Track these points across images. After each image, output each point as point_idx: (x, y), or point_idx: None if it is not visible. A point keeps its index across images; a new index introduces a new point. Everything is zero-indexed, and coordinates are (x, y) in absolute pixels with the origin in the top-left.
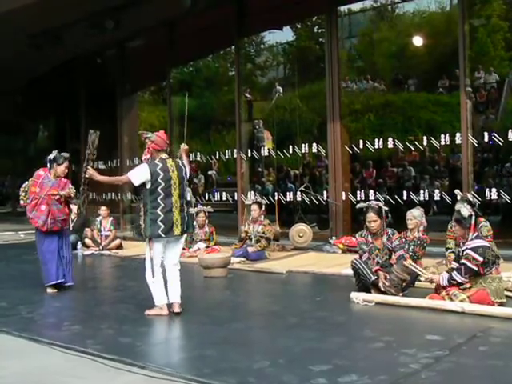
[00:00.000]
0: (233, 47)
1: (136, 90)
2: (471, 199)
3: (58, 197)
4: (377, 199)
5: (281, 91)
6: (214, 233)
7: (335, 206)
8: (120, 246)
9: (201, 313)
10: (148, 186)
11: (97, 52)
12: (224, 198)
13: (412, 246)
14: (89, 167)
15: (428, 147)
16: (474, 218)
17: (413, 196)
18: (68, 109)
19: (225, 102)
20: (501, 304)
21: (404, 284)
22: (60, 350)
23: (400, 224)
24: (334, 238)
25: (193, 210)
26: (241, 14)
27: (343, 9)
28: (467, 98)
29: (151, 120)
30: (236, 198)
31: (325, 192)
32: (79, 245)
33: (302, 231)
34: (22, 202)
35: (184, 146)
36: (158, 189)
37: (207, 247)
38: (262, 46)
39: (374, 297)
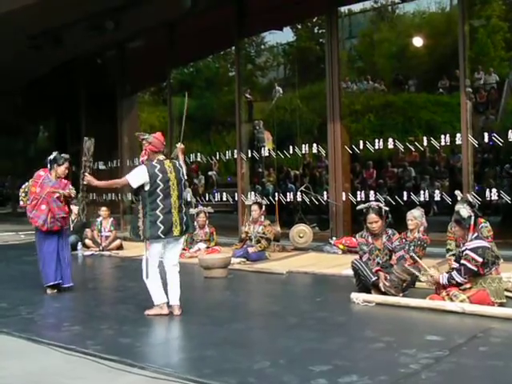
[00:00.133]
0: (233, 48)
1: (136, 91)
2: (471, 200)
3: (57, 195)
4: (377, 200)
5: (281, 92)
6: (215, 233)
7: (335, 207)
8: (120, 247)
9: (201, 313)
10: (146, 187)
11: (97, 53)
12: (224, 199)
13: (412, 247)
14: (86, 173)
15: (428, 148)
16: (473, 218)
17: (413, 196)
18: (68, 109)
19: (225, 103)
20: (501, 304)
21: (404, 284)
22: (60, 351)
23: (400, 224)
24: (334, 238)
25: (193, 211)
26: (241, 15)
27: (343, 9)
28: (467, 98)
29: (151, 120)
30: (236, 198)
31: (325, 192)
32: (79, 245)
33: (302, 232)
34: (21, 203)
35: (180, 146)
36: (157, 190)
37: (207, 248)
38: (263, 46)
39: (375, 297)
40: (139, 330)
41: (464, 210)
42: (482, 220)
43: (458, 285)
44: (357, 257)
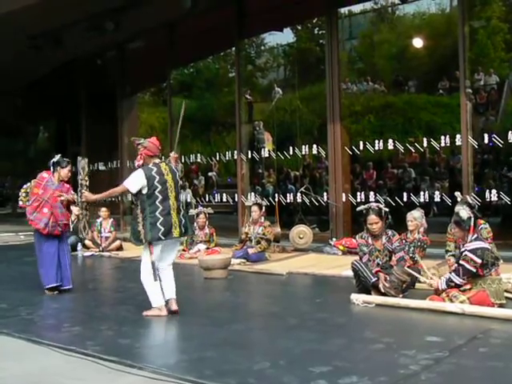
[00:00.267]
0: (233, 49)
1: (136, 92)
2: (470, 201)
3: (62, 198)
4: (377, 201)
5: (280, 93)
6: (215, 234)
7: (335, 208)
8: (120, 248)
9: (201, 314)
10: (145, 191)
11: (97, 53)
12: (224, 200)
13: (412, 248)
14: (83, 191)
15: (428, 149)
16: (472, 219)
17: (413, 197)
18: (68, 110)
19: (225, 104)
20: (501, 305)
21: (404, 285)
22: (60, 352)
23: (400, 225)
24: (334, 239)
25: (193, 212)
26: (241, 16)
27: (343, 10)
28: (467, 99)
29: (151, 121)
30: (236, 199)
31: (325, 193)
32: (79, 246)
33: (302, 232)
34: (20, 203)
35: (174, 155)
36: (156, 192)
37: (207, 248)
38: (263, 47)
39: (374, 298)
40: (139, 330)
41: (464, 212)
42: (482, 221)
43: (458, 286)
44: (357, 258)
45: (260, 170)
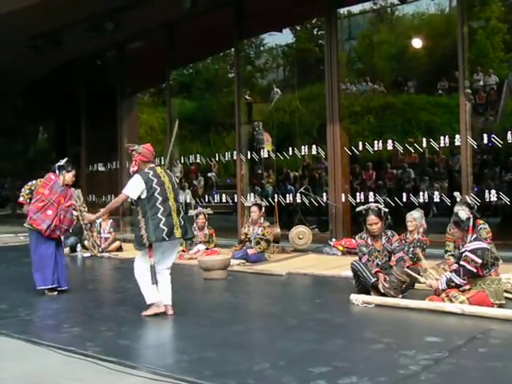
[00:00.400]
0: (232, 49)
1: (136, 92)
2: (469, 202)
3: (73, 208)
4: (376, 201)
5: (279, 93)
6: (214, 235)
7: (335, 208)
8: (119, 249)
9: (201, 315)
10: (144, 194)
11: (97, 54)
12: (224, 200)
13: (412, 248)
14: (84, 214)
15: (427, 149)
16: (472, 220)
17: (412, 198)
18: (68, 110)
19: (224, 104)
20: (500, 306)
21: (404, 286)
22: (59, 353)
23: (400, 226)
24: (333, 239)
25: (192, 212)
26: (240, 16)
27: (343, 11)
28: (466, 99)
29: (151, 122)
30: (236, 199)
31: (324, 194)
32: (79, 247)
33: (301, 233)
34: (21, 199)
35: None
36: (155, 194)
37: (207, 249)
38: (262, 48)
39: (374, 299)
40: (138, 331)
41: (463, 212)
42: (481, 221)
43: (458, 286)
44: (356, 258)
45: (259, 171)
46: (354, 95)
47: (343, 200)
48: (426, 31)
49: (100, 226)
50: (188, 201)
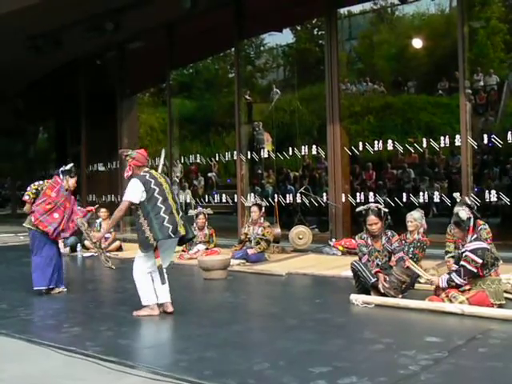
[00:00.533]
0: (232, 49)
1: (136, 92)
2: (469, 202)
3: (87, 217)
4: (376, 201)
5: (279, 93)
6: (214, 235)
7: (335, 208)
8: (120, 248)
9: (201, 315)
10: (144, 196)
11: (97, 54)
12: (224, 200)
13: (412, 248)
14: (91, 234)
15: (427, 149)
16: (472, 220)
17: (412, 198)
18: (68, 110)
19: (224, 104)
20: (500, 306)
21: (404, 286)
22: (60, 353)
23: (400, 226)
24: (333, 239)
25: (192, 212)
26: (240, 16)
27: (343, 11)
28: (467, 100)
29: (151, 122)
30: (236, 200)
31: (324, 194)
32: (79, 247)
33: (301, 233)
34: (26, 198)
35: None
36: (155, 194)
37: (207, 249)
38: (262, 48)
39: (374, 299)
40: (138, 331)
41: (463, 212)
42: (481, 222)
43: (458, 286)
44: (356, 258)
45: (259, 171)
46: (354, 95)
47: (343, 200)
48: (426, 31)
49: (100, 225)
50: (188, 201)
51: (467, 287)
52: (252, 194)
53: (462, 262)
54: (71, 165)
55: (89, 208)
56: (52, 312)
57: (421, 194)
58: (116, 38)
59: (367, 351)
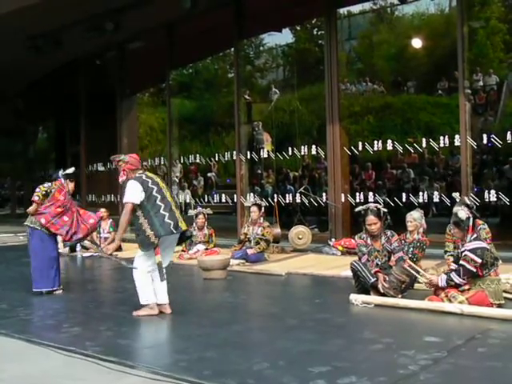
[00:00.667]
0: (232, 49)
1: (136, 92)
2: (468, 202)
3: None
4: (376, 201)
5: (278, 93)
6: (214, 235)
7: (334, 208)
8: (119, 248)
9: (200, 314)
10: (142, 197)
11: (96, 54)
12: (223, 200)
13: (411, 248)
14: (104, 248)
15: (427, 149)
16: (471, 220)
17: (412, 198)
18: (68, 110)
19: (224, 104)
20: (499, 306)
21: (403, 286)
22: (60, 353)
23: (399, 226)
24: (333, 239)
25: (192, 212)
26: (240, 16)
27: (343, 11)
28: (466, 100)
29: (150, 122)
30: (235, 199)
31: (324, 194)
32: (78, 247)
33: (301, 233)
34: (36, 198)
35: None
36: (153, 193)
37: (206, 249)
38: (262, 48)
39: (374, 299)
40: (138, 331)
41: (462, 212)
42: (481, 222)
43: (457, 286)
44: (356, 258)
45: (259, 171)
46: (354, 95)
47: (343, 200)
48: (425, 31)
49: (99, 225)
50: (187, 201)
51: (467, 287)
52: (251, 194)
53: (461, 262)
54: (73, 169)
55: (99, 214)
56: (52, 312)
57: (420, 193)
58: (116, 38)
59: (367, 351)
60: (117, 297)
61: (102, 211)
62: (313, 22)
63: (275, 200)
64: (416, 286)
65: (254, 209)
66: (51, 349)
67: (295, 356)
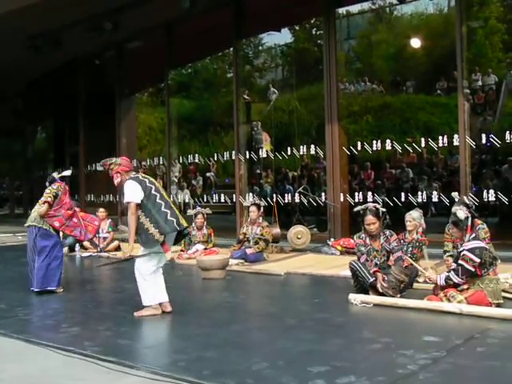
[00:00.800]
0: (231, 49)
1: (134, 92)
2: (467, 201)
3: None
4: (375, 201)
5: (276, 93)
6: (213, 235)
7: (333, 208)
8: (118, 248)
9: (200, 314)
10: (142, 196)
11: (95, 54)
12: (222, 200)
13: (410, 248)
14: (123, 251)
15: (426, 149)
16: (470, 219)
17: (411, 198)
18: (67, 110)
19: (223, 104)
20: (498, 305)
21: (402, 285)
22: (59, 353)
23: (398, 226)
24: (332, 239)
25: (191, 212)
26: (239, 16)
27: (341, 11)
28: (465, 99)
29: (149, 121)
30: (234, 199)
31: (323, 194)
32: (77, 247)
33: (300, 233)
34: (50, 200)
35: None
36: (152, 191)
37: (205, 249)
38: (261, 47)
39: (373, 298)
40: (137, 331)
41: (461, 212)
42: (479, 221)
43: (456, 285)
44: (355, 258)
45: (258, 171)
46: (353, 95)
47: (342, 200)
48: (424, 31)
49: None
50: (186, 200)
51: (465, 286)
52: (250, 194)
53: (459, 261)
54: (70, 171)
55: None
56: (51, 312)
57: (419, 193)
58: (115, 38)
59: (366, 351)
60: (116, 297)
61: (101, 211)
62: (312, 21)
63: (274, 200)
64: (415, 285)
65: (253, 208)
66: (50, 349)
67: (294, 356)
